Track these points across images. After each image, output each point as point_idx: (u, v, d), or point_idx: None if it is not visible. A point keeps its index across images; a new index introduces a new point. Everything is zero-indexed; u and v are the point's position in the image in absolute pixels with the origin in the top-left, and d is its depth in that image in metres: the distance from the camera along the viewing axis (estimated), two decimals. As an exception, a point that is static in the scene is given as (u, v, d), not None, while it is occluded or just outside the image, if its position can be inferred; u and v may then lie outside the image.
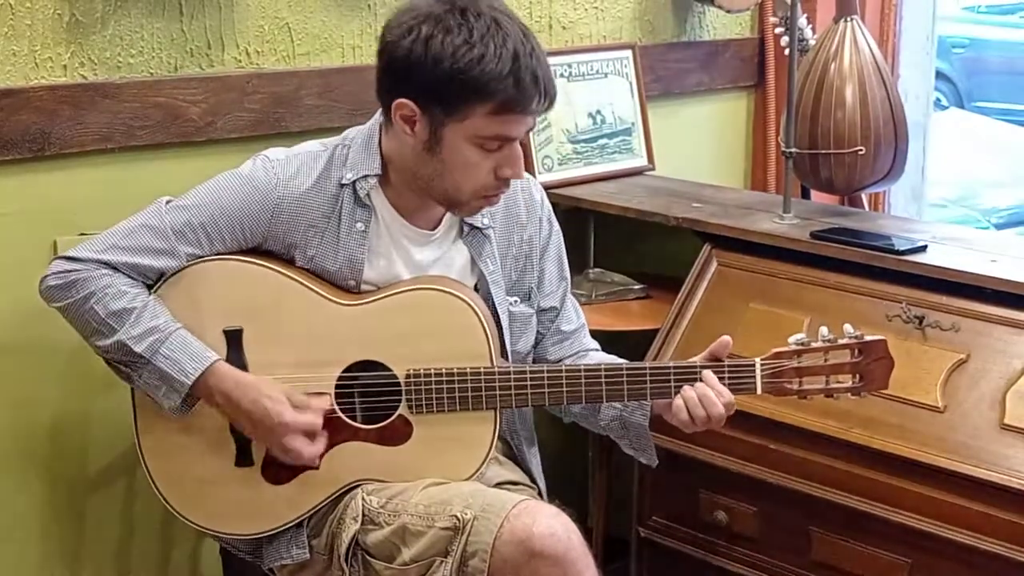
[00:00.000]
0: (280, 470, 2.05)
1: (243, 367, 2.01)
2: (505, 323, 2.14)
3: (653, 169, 3.11)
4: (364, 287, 2.07)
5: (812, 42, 2.90)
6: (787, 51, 2.69)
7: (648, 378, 2.02)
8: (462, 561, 1.89)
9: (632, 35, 3.19)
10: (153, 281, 2.02)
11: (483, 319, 2.02)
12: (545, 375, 2.03)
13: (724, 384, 2.01)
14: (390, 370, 2.02)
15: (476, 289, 2.13)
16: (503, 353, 2.11)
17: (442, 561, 1.91)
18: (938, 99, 7.18)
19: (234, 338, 2.02)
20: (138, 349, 1.95)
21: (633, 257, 2.96)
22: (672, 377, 2.02)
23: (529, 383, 2.02)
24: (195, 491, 2.08)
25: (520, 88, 1.90)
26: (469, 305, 2.01)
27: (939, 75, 6.28)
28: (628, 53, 3.10)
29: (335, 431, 2.03)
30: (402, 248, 2.08)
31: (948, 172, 5.88)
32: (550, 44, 2.99)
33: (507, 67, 1.89)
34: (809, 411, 2.23)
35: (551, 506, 1.94)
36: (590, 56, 3.04)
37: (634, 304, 2.81)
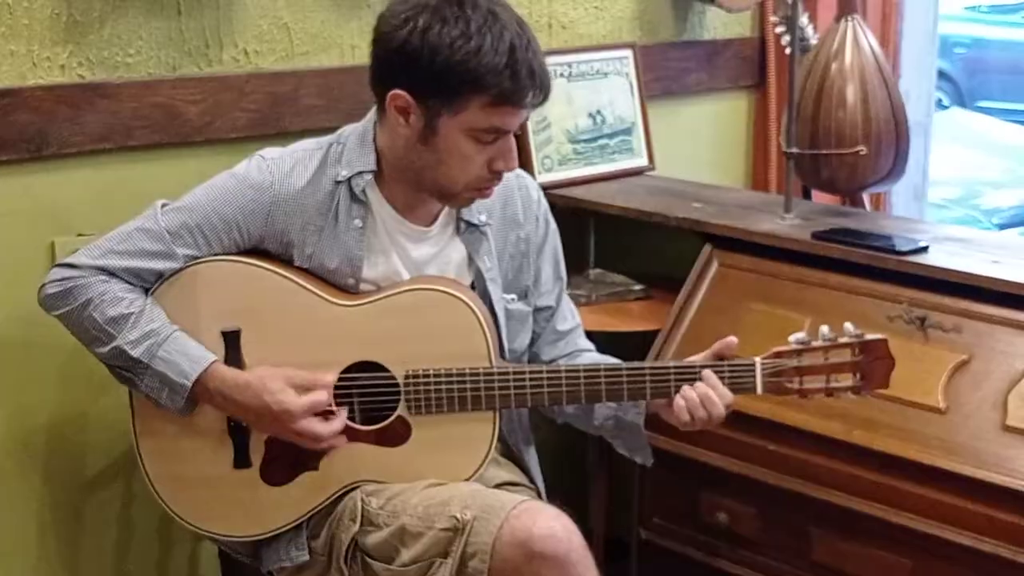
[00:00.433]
0: (278, 471, 2.04)
1: (241, 368, 2.00)
2: (502, 320, 2.14)
3: (653, 169, 3.10)
4: (363, 285, 2.06)
5: (813, 41, 2.89)
6: (788, 51, 2.69)
7: (648, 378, 2.02)
8: (462, 562, 1.88)
9: (632, 35, 3.18)
10: (151, 284, 2.01)
11: (482, 319, 2.01)
12: (544, 375, 2.02)
13: (724, 383, 2.00)
14: (389, 371, 2.02)
15: (473, 286, 2.13)
16: (501, 353, 2.10)
17: (442, 562, 1.90)
18: (940, 99, 7.18)
19: (232, 339, 2.01)
20: (135, 354, 1.95)
21: (633, 257, 2.96)
22: (672, 377, 2.01)
23: (528, 383, 2.01)
24: (193, 493, 2.07)
25: (516, 81, 1.89)
26: (468, 305, 2.01)
27: (941, 75, 6.28)
28: (628, 53, 3.09)
29: (334, 432, 2.02)
30: (399, 245, 2.08)
31: (950, 172, 5.88)
32: (550, 44, 2.98)
33: (504, 60, 1.88)
34: (810, 412, 2.23)
35: (551, 507, 1.93)
36: (590, 56, 3.03)
37: (634, 304, 2.80)
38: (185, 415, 2.00)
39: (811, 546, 2.30)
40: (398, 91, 1.94)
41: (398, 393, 2.01)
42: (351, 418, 2.03)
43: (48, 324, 2.06)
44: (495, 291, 2.13)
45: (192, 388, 1.95)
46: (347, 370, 2.02)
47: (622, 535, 2.71)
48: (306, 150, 2.07)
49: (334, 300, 2.02)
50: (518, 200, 2.19)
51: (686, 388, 2.00)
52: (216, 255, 2.03)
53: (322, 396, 1.98)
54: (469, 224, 2.12)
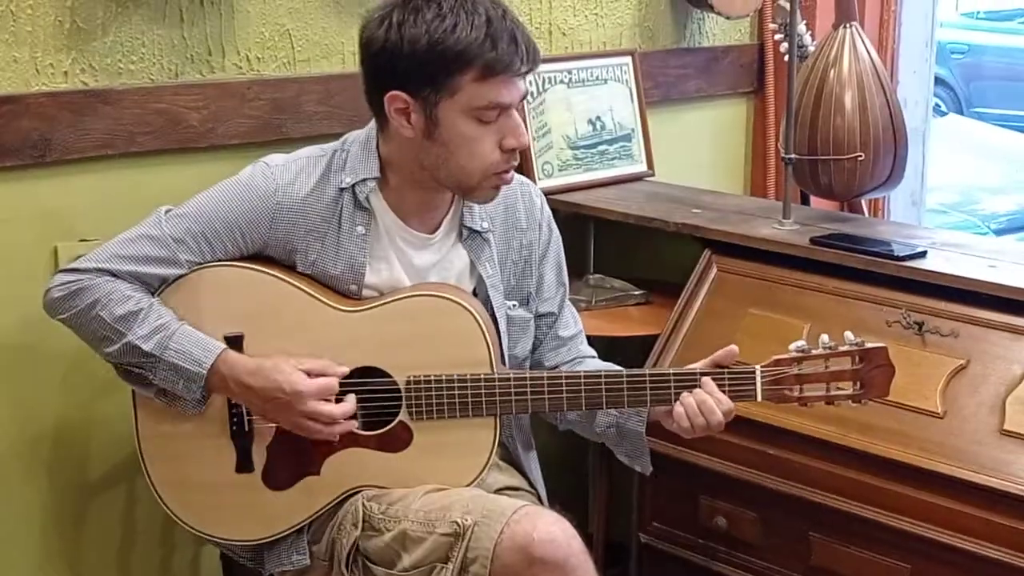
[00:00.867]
0: (280, 476, 2.05)
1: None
2: (503, 327, 2.14)
3: (653, 175, 3.11)
4: (366, 292, 2.07)
5: (811, 48, 2.90)
6: (786, 57, 2.69)
7: (648, 385, 2.02)
8: (463, 567, 1.89)
9: (632, 41, 3.19)
10: (155, 289, 2.02)
11: (483, 326, 2.02)
12: (545, 381, 2.03)
13: (724, 391, 2.01)
14: (390, 376, 2.02)
15: (475, 293, 2.14)
16: (502, 359, 2.11)
17: (443, 567, 1.90)
18: (937, 105, 7.19)
19: (235, 344, 2.01)
20: (147, 348, 1.96)
21: (633, 263, 2.97)
22: (672, 384, 2.02)
23: (529, 389, 2.02)
24: (196, 497, 2.08)
25: (498, 49, 1.90)
26: (470, 312, 2.02)
27: (938, 81, 6.30)
28: (628, 59, 3.10)
29: (335, 437, 2.03)
30: (401, 252, 2.08)
31: (947, 178, 5.89)
32: (550, 50, 3.00)
33: (482, 32, 1.90)
34: (809, 417, 2.23)
35: (552, 512, 1.94)
36: (590, 62, 3.04)
37: (634, 310, 2.81)
38: (199, 409, 2.00)
39: (810, 550, 2.31)
40: (393, 92, 1.95)
41: (400, 398, 2.02)
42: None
43: (52, 329, 2.06)
44: (496, 298, 2.14)
45: (207, 375, 1.96)
46: (349, 375, 2.02)
47: (622, 539, 2.71)
48: (310, 157, 2.08)
49: (336, 306, 2.03)
50: (521, 206, 2.20)
51: (685, 395, 2.00)
52: (219, 260, 2.04)
53: (333, 381, 1.98)
54: (472, 231, 2.12)
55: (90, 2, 2.30)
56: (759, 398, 2.02)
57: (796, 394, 2.01)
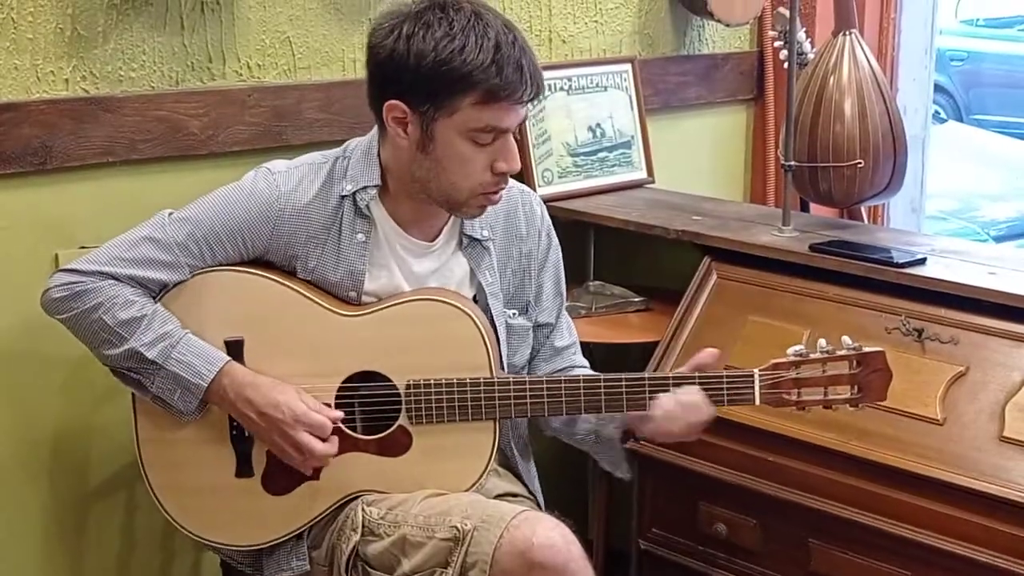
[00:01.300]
0: (280, 481, 2.05)
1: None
2: (503, 335, 2.15)
3: (653, 182, 3.11)
4: (365, 298, 2.07)
5: (811, 56, 2.91)
6: (786, 65, 2.70)
7: (648, 388, 2.03)
8: (462, 572, 1.89)
9: (632, 49, 3.20)
10: (155, 293, 2.02)
11: (483, 330, 2.02)
12: (544, 386, 2.03)
13: (723, 394, 2.02)
14: (390, 381, 2.03)
15: (475, 301, 2.14)
16: (502, 365, 2.11)
17: (442, 572, 1.91)
18: (937, 112, 7.20)
19: (235, 348, 2.02)
20: (151, 356, 1.96)
21: (633, 270, 2.97)
22: (671, 388, 2.02)
23: (528, 394, 2.02)
24: (195, 502, 2.08)
25: (503, 76, 1.90)
26: (469, 316, 2.02)
27: (938, 88, 6.30)
28: (628, 67, 3.11)
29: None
30: (401, 259, 2.09)
31: (947, 185, 5.89)
32: (550, 58, 3.00)
33: (489, 56, 1.90)
34: (808, 423, 2.23)
35: (551, 517, 1.94)
36: (590, 70, 3.05)
37: (634, 316, 2.81)
38: (193, 418, 2.01)
39: (809, 557, 2.31)
40: (393, 102, 1.95)
41: (399, 403, 2.02)
42: (352, 428, 2.04)
43: (52, 335, 2.07)
44: (496, 306, 2.14)
45: (207, 388, 1.97)
46: (349, 380, 2.03)
47: (621, 546, 2.71)
48: (312, 164, 2.09)
49: (336, 310, 2.03)
50: (521, 215, 2.20)
51: (665, 397, 2.02)
52: (220, 265, 2.04)
53: (327, 422, 1.99)
54: (472, 239, 2.13)
55: (91, 10, 2.30)
56: (757, 402, 2.02)
57: (794, 398, 2.02)
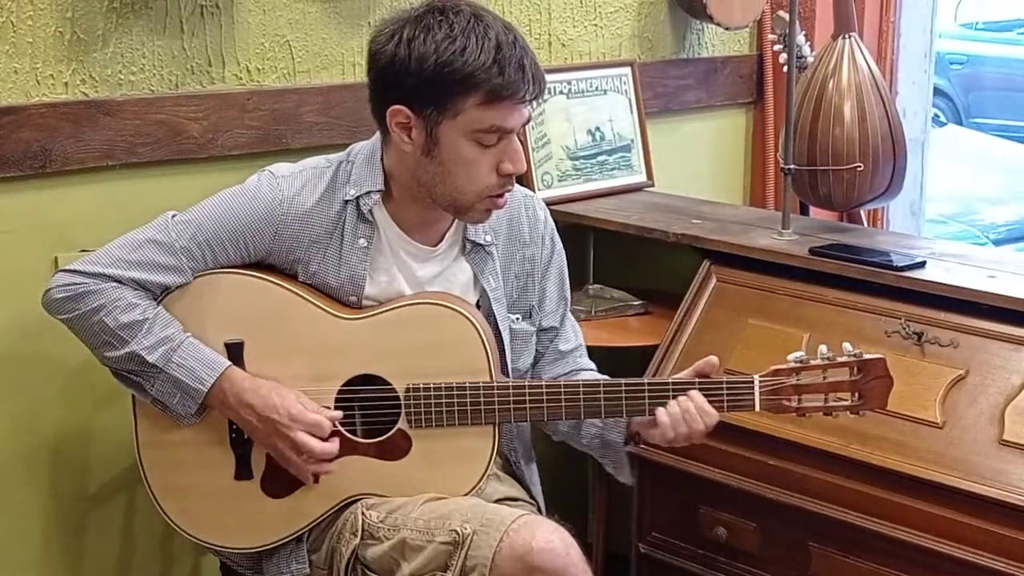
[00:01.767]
0: (279, 483, 2.05)
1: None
2: (506, 340, 2.14)
3: (652, 185, 3.11)
4: (366, 302, 2.07)
5: (810, 59, 2.91)
6: (785, 68, 2.70)
7: (647, 393, 2.03)
8: (462, 575, 1.89)
9: (631, 52, 3.20)
10: (157, 296, 2.03)
11: (483, 334, 2.02)
12: (544, 390, 2.03)
13: (723, 400, 2.02)
14: (390, 384, 2.03)
15: (478, 306, 2.14)
16: (503, 369, 2.11)
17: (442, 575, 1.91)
18: (936, 115, 7.20)
19: (235, 351, 2.02)
20: (151, 359, 1.96)
21: (632, 273, 2.97)
22: (671, 393, 2.02)
23: (528, 398, 2.02)
24: (195, 505, 2.08)
25: (505, 76, 1.91)
26: (469, 320, 2.02)
27: (937, 92, 6.31)
28: (627, 70, 3.11)
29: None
30: (404, 264, 2.09)
31: (946, 188, 5.89)
32: (550, 61, 3.00)
33: (490, 56, 1.90)
34: (809, 427, 2.24)
35: (551, 521, 1.94)
36: (589, 73, 3.05)
37: (633, 320, 2.81)
38: (192, 422, 2.01)
39: (809, 560, 2.31)
40: (396, 107, 1.95)
41: (399, 406, 2.02)
42: (352, 431, 2.04)
43: (52, 339, 2.07)
44: (500, 311, 2.14)
45: (207, 393, 1.97)
46: (349, 383, 2.03)
47: (621, 550, 2.71)
48: (316, 168, 2.09)
49: (337, 314, 2.03)
50: (525, 220, 2.20)
51: (670, 404, 2.01)
52: (222, 267, 2.04)
53: (326, 422, 1.99)
54: (475, 244, 2.13)
55: (90, 13, 2.30)
56: (757, 408, 2.02)
57: (794, 404, 2.01)
